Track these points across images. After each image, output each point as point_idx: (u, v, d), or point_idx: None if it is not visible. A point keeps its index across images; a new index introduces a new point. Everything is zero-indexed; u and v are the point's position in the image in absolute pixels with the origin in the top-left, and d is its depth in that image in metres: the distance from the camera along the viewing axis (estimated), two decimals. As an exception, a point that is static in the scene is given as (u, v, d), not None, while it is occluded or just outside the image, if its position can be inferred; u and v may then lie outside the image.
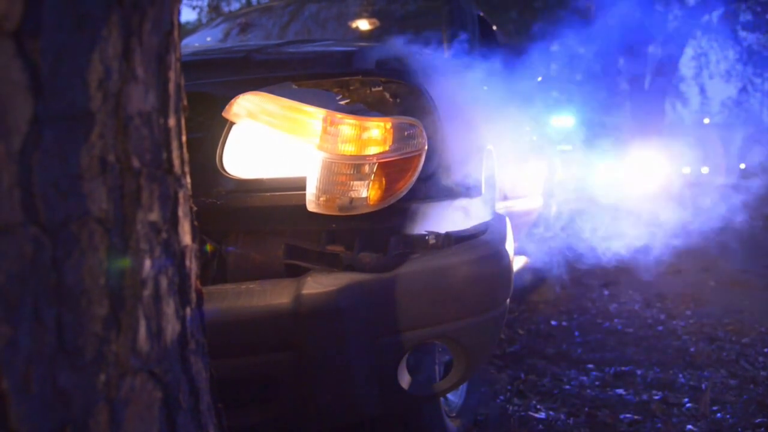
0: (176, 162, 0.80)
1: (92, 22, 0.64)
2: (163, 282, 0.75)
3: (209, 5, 11.11)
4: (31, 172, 0.57)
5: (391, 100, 1.42)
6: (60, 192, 0.60)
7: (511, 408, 2.30)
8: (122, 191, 0.68)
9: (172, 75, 0.79)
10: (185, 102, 0.86)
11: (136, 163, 0.70)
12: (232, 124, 1.39)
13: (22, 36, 0.56)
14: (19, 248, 0.56)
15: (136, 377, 0.69)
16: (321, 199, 1.29)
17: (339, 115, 1.30)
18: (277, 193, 1.35)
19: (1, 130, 0.55)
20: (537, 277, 3.91)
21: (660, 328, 3.51)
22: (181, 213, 0.81)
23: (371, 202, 1.31)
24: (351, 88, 1.42)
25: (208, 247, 1.39)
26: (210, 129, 1.41)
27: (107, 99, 0.66)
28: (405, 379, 1.38)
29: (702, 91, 17.44)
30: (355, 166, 1.29)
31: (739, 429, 2.11)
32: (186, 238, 0.82)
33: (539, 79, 3.00)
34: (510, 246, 1.63)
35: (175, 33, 0.81)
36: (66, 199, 0.61)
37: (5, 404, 0.54)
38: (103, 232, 0.65)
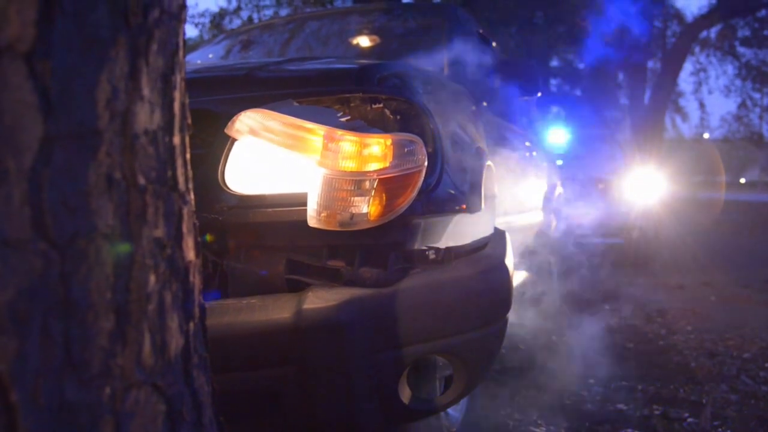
0: (181, 179, 0.82)
1: (101, 44, 0.66)
2: (168, 297, 0.77)
3: (211, 22, 11.20)
4: (40, 189, 0.59)
5: (391, 116, 1.43)
6: (68, 208, 0.62)
7: (511, 423, 2.30)
8: (128, 208, 0.70)
9: (177, 94, 0.81)
10: (189, 120, 0.88)
11: (142, 180, 0.72)
12: (233, 140, 1.40)
13: (33, 58, 0.58)
14: (29, 263, 0.58)
15: (140, 390, 0.70)
16: (322, 214, 1.30)
17: (340, 132, 1.32)
18: (279, 209, 1.36)
19: (12, 149, 0.57)
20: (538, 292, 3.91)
21: (661, 342, 3.51)
22: (185, 229, 0.82)
23: (372, 218, 1.32)
24: (351, 104, 1.43)
25: (210, 262, 1.40)
26: (212, 145, 1.42)
27: (114, 118, 0.68)
28: (405, 394, 1.39)
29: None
30: (356, 182, 1.31)
31: (740, 444, 2.11)
32: (190, 253, 0.84)
33: (539, 94, 3.02)
34: (510, 261, 1.64)
35: (180, 53, 0.83)
36: (74, 215, 0.62)
37: (14, 416, 0.55)
38: (110, 248, 0.67)
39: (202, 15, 11.42)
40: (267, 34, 3.19)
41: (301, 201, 1.33)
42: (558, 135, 5.63)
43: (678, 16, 15.56)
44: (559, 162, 5.12)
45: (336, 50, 2.89)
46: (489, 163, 2.04)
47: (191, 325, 0.83)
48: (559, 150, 5.48)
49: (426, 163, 1.39)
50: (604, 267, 5.85)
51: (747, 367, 2.98)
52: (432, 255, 1.41)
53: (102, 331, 0.65)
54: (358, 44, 2.92)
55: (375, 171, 1.31)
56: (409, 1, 3.31)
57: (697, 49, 16.41)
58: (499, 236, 1.81)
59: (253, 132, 1.36)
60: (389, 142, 1.33)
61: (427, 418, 1.57)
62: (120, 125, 0.68)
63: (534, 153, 3.62)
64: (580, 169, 6.71)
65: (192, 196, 0.87)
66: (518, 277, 3.10)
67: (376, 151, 1.32)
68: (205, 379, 0.88)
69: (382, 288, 1.31)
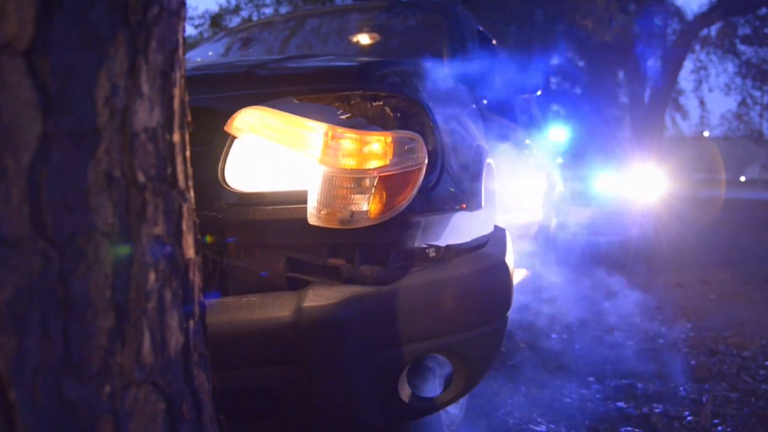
0: (180, 177, 0.81)
1: (100, 41, 0.65)
2: (167, 295, 0.76)
3: (211, 21, 11.16)
4: (39, 188, 0.58)
5: (391, 114, 1.43)
6: (67, 207, 0.61)
7: (511, 421, 2.30)
8: (128, 206, 0.70)
9: (176, 91, 0.81)
10: (189, 118, 0.87)
11: (141, 178, 0.72)
12: (233, 138, 1.40)
13: (32, 55, 0.58)
14: (28, 262, 0.57)
15: (140, 389, 0.70)
16: (322, 212, 1.30)
17: (340, 130, 1.32)
18: (279, 207, 1.36)
19: (11, 147, 0.56)
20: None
21: (661, 341, 3.51)
22: (185, 227, 0.82)
23: (372, 216, 1.32)
24: (352, 102, 1.43)
25: (210, 260, 1.40)
26: (212, 143, 1.42)
27: (114, 116, 0.67)
28: (405, 392, 1.39)
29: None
30: (356, 179, 1.31)
31: (740, 442, 2.11)
32: (190, 251, 0.83)
33: (539, 92, 3.01)
34: (510, 259, 1.64)
35: (180, 50, 0.83)
36: (73, 213, 0.62)
37: (13, 415, 0.55)
38: (109, 246, 0.66)
39: (201, 17, 11.37)
40: (267, 32, 3.19)
41: (301, 199, 1.33)
42: (558, 133, 5.63)
43: (678, 13, 15.54)
44: (560, 160, 5.12)
45: (336, 48, 2.88)
46: (489, 160, 2.03)
47: (191, 323, 0.83)
48: (559, 148, 5.48)
49: (426, 161, 1.38)
50: (604, 265, 5.85)
51: (747, 366, 2.98)
52: (432, 253, 1.41)
53: (101, 330, 0.65)
54: (358, 42, 2.92)
55: (375, 169, 1.31)
56: (409, -1, 3.30)
57: (697, 47, 16.41)
58: (499, 234, 1.81)
59: (253, 129, 1.36)
60: (389, 139, 1.33)
61: (427, 417, 1.57)
62: (119, 123, 0.68)
63: (534, 151, 3.62)
64: (581, 167, 6.71)
65: (192, 193, 0.87)
66: (519, 274, 3.10)
67: (376, 149, 1.32)
68: (205, 377, 0.87)
69: (382, 286, 1.30)
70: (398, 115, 1.43)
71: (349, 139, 1.31)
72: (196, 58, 3.02)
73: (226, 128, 1.38)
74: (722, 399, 2.52)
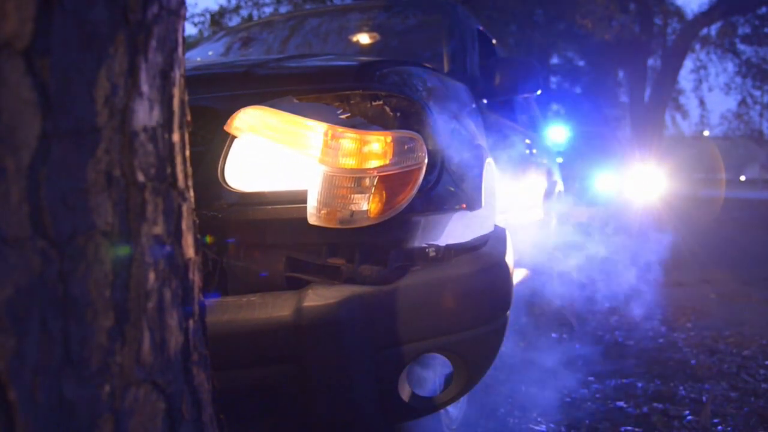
0: (180, 176, 0.81)
1: (99, 41, 0.65)
2: (167, 294, 0.76)
3: (211, 20, 11.16)
4: (39, 187, 0.58)
5: (391, 114, 1.43)
6: (67, 206, 0.61)
7: (511, 421, 2.30)
8: (127, 205, 0.70)
9: (176, 91, 0.81)
10: (189, 117, 0.87)
11: (141, 177, 0.72)
12: (233, 137, 1.40)
13: (31, 54, 0.58)
14: (28, 261, 0.57)
15: (140, 388, 0.70)
16: (322, 212, 1.30)
17: (340, 129, 1.32)
18: (279, 206, 1.36)
19: (10, 146, 0.56)
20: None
21: (660, 340, 3.51)
22: (184, 226, 0.82)
23: (372, 215, 1.32)
24: (352, 102, 1.43)
25: (210, 259, 1.40)
26: (212, 143, 1.42)
27: (113, 115, 0.67)
28: (405, 392, 1.39)
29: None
30: (356, 179, 1.31)
31: (740, 441, 2.11)
32: (189, 251, 0.83)
33: (539, 92, 3.01)
34: (510, 258, 1.64)
35: (180, 50, 0.82)
36: (73, 213, 0.62)
37: (12, 414, 0.55)
38: (109, 246, 0.66)
39: (201, 15, 11.36)
40: (267, 32, 3.18)
41: (301, 198, 1.33)
42: (558, 133, 5.63)
43: (678, 13, 15.54)
44: (560, 159, 5.12)
45: (336, 47, 2.88)
46: (489, 160, 2.03)
47: (191, 322, 0.83)
48: (559, 147, 5.48)
49: (426, 161, 1.38)
50: (604, 264, 5.85)
51: (747, 365, 2.98)
52: (432, 252, 1.41)
53: (101, 329, 0.65)
54: (358, 41, 2.92)
55: (375, 168, 1.31)
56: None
57: (697, 47, 16.41)
58: (499, 234, 1.81)
59: (253, 129, 1.36)
60: (389, 139, 1.33)
61: (427, 416, 1.57)
62: (119, 122, 0.68)
63: (534, 150, 3.62)
64: (581, 167, 6.71)
65: (191, 193, 0.87)
66: (518, 274, 3.10)
67: (376, 149, 1.32)
68: (205, 376, 0.87)
69: (382, 286, 1.30)
70: (398, 114, 1.43)
71: (349, 139, 1.31)
72: (196, 57, 3.02)
73: (226, 128, 1.38)
74: (722, 398, 2.52)
